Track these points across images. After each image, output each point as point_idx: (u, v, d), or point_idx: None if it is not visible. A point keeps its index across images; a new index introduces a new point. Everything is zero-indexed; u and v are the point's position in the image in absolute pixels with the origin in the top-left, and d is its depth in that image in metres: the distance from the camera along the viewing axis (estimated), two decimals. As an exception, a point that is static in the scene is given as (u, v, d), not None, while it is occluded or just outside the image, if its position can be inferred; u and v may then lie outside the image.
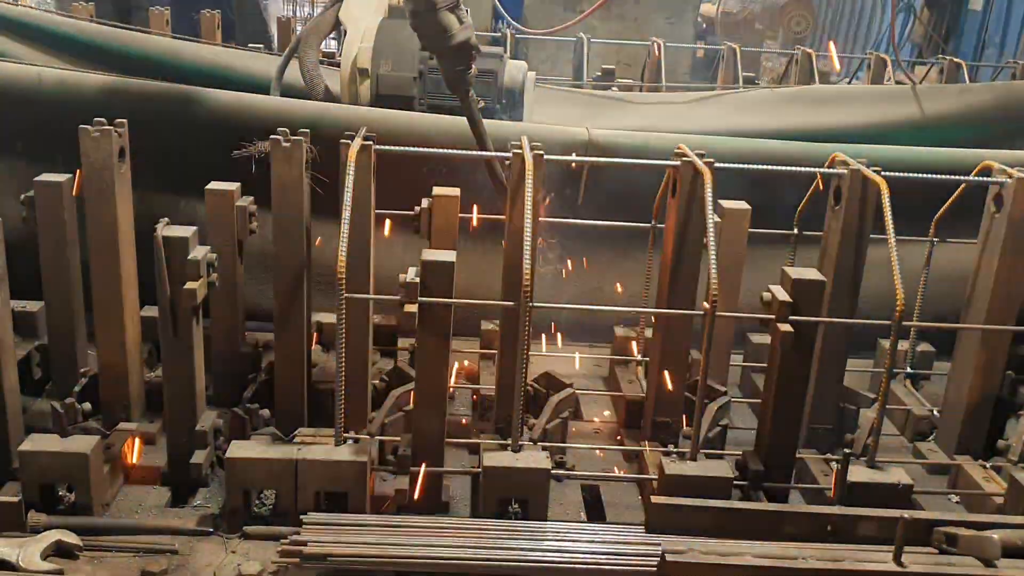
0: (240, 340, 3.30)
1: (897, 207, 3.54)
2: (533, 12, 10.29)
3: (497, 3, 6.22)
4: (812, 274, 2.70)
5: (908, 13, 9.87)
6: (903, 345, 3.68)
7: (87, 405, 3.00)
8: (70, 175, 2.98)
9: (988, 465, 3.05)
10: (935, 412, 3.40)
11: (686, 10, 10.81)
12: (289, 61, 4.50)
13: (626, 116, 5.31)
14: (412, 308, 2.60)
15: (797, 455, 3.05)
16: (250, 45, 5.93)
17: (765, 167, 3.00)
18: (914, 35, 10.94)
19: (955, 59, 6.17)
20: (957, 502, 3.06)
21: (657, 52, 6.22)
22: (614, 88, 6.12)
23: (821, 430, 3.16)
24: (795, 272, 2.69)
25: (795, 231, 3.42)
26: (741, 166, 2.98)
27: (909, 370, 3.67)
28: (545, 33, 7.19)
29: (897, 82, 6.10)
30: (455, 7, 3.03)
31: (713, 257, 2.63)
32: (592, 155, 3.74)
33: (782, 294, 2.67)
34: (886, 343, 3.66)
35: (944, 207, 3.35)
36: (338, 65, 4.54)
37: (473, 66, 3.08)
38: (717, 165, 2.87)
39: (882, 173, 2.87)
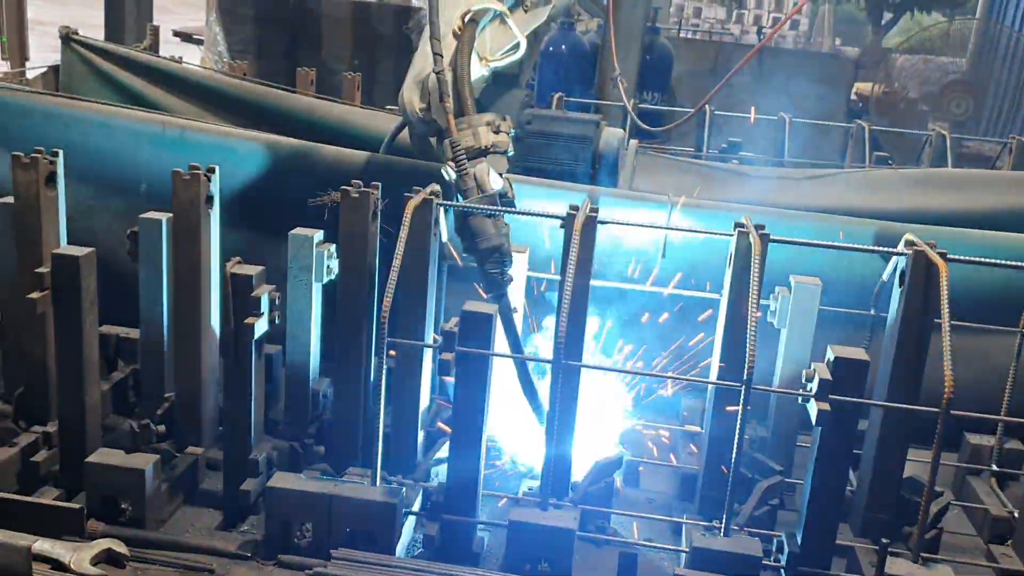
0: (313, 378, 3.45)
1: (995, 297, 3.42)
2: (681, 85, 10.37)
3: (634, 117, 6.22)
4: (856, 353, 2.62)
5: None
6: (990, 441, 3.48)
7: (161, 427, 3.23)
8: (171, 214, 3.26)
9: (1061, 577, 2.84)
10: (1015, 514, 3.19)
11: (839, 88, 10.62)
12: (399, 131, 4.72)
13: (737, 189, 5.26)
14: (448, 356, 2.69)
15: (849, 543, 2.95)
16: (387, 107, 6.24)
17: (827, 244, 2.94)
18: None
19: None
20: (1020, 613, 2.85)
21: (784, 128, 6.16)
22: (734, 160, 6.09)
23: (879, 520, 3.02)
24: (838, 350, 2.62)
25: (872, 312, 3.32)
26: (798, 241, 2.93)
27: (995, 467, 3.46)
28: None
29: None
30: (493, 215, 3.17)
31: (753, 328, 2.60)
32: (672, 224, 3.75)
33: (823, 371, 2.61)
34: (971, 437, 3.50)
35: (1033, 297, 3.19)
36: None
37: (507, 273, 3.17)
38: (773, 239, 2.85)
39: (947, 256, 2.77)
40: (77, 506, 2.81)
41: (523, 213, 3.07)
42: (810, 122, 6.44)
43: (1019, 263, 2.92)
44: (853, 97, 11.53)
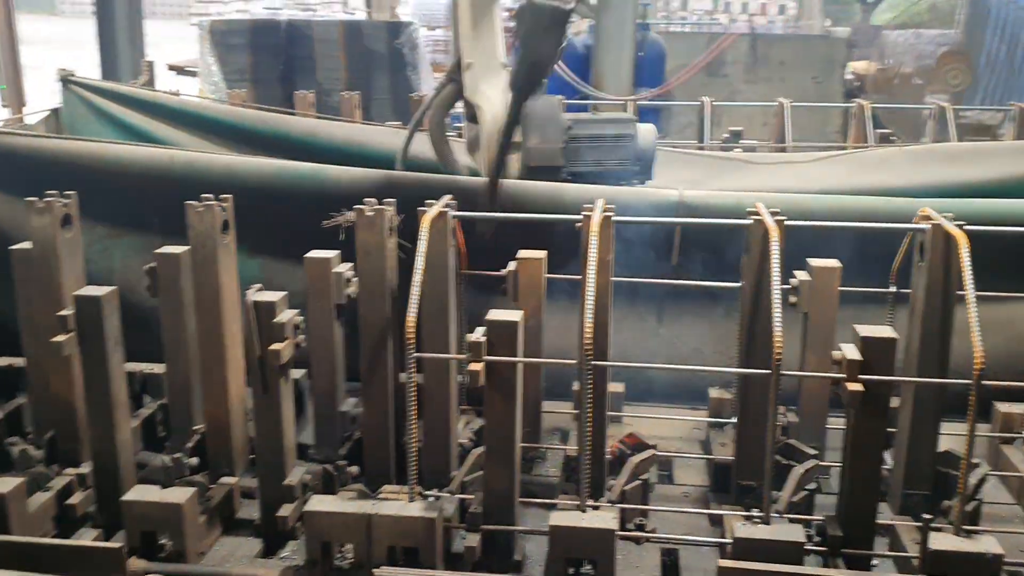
0: (339, 399, 3.46)
1: (1015, 264, 3.41)
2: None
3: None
4: (884, 331, 2.62)
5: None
6: (1020, 408, 3.47)
7: (194, 459, 3.24)
8: (189, 247, 3.27)
9: (1104, 538, 2.83)
10: (1051, 480, 3.18)
11: (833, 69, 10.60)
12: (412, 137, 4.71)
13: (746, 177, 5.27)
14: (477, 367, 2.70)
15: (889, 522, 2.94)
16: (387, 123, 6.25)
17: (842, 224, 2.95)
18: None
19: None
20: (1068, 577, 2.84)
21: (783, 112, 6.17)
22: (737, 149, 6.09)
23: (917, 496, 3.01)
24: (865, 330, 2.62)
25: (892, 289, 3.31)
26: (813, 223, 2.93)
27: (1028, 435, 3.45)
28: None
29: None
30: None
31: (777, 316, 2.60)
32: (684, 216, 3.76)
33: (853, 352, 2.61)
34: (1001, 406, 3.50)
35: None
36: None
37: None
38: (788, 223, 2.85)
39: (964, 227, 2.76)
40: (117, 545, 2.81)
41: (537, 218, 3.08)
42: (809, 105, 6.43)
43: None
44: (849, 76, 11.52)
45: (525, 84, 3.76)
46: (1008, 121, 6.16)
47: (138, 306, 3.73)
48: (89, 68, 8.82)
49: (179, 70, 11.73)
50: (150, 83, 6.44)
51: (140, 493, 2.87)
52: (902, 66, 10.85)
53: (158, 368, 3.71)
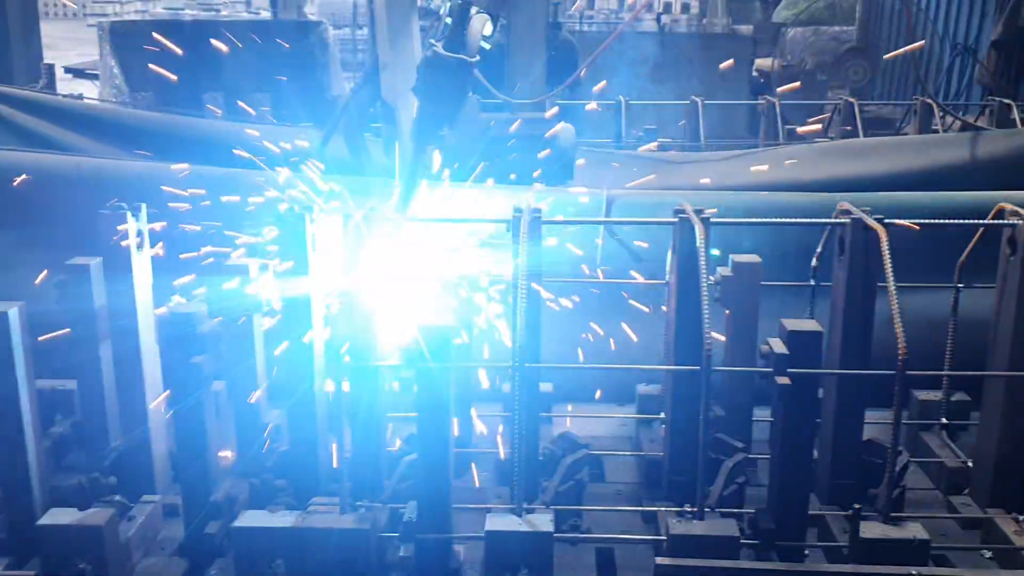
0: (262, 411, 3.37)
1: (926, 254, 3.50)
2: (589, 78, 10.37)
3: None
4: (809, 325, 2.66)
5: (967, 55, 9.67)
6: (936, 395, 3.57)
7: (112, 479, 3.11)
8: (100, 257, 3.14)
9: (1022, 518, 2.92)
10: (968, 463, 3.28)
11: (740, 66, 10.79)
12: (330, 138, 4.63)
13: (666, 176, 5.32)
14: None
15: (818, 512, 2.99)
16: (303, 124, 6.12)
17: (767, 220, 2.99)
18: (981, 78, 10.71)
19: (1005, 100, 6.02)
20: (990, 557, 2.93)
21: (697, 111, 6.25)
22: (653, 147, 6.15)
23: (843, 486, 3.07)
24: (792, 324, 2.66)
25: (812, 282, 3.36)
26: (739, 220, 2.97)
27: (944, 420, 3.55)
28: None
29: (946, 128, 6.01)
30: None
31: (706, 312, 2.62)
32: (611, 216, 3.77)
33: (779, 346, 2.64)
34: (919, 394, 3.59)
35: (965, 252, 3.27)
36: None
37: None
38: (714, 220, 2.87)
39: (884, 221, 2.83)
40: (31, 573, 2.70)
41: (469, 220, 3.04)
42: (723, 103, 6.54)
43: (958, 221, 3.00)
44: (754, 74, 11.77)
45: (426, 135, 3.72)
46: (912, 115, 6.35)
47: (45, 320, 3.58)
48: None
49: (77, 72, 11.33)
50: (50, 86, 6.19)
51: (55, 516, 2.74)
52: (805, 63, 11.13)
53: (68, 384, 3.57)
